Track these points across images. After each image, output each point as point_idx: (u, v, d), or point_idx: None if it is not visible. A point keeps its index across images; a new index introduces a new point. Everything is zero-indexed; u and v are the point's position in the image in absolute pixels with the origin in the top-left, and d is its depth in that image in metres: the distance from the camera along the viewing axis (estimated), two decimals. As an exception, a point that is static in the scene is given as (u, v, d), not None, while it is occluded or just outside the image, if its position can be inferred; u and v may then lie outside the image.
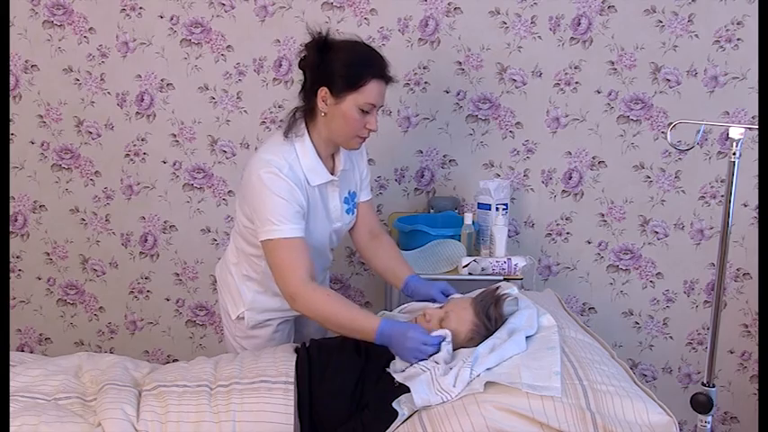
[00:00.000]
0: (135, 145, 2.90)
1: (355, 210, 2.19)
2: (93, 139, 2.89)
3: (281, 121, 2.82)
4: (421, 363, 1.75)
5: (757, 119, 2.73)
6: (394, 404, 1.67)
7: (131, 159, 2.91)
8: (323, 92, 1.92)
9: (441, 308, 1.91)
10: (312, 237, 2.01)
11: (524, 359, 1.71)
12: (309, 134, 2.00)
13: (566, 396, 1.60)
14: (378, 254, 2.22)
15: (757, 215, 2.82)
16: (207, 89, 2.84)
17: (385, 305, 2.57)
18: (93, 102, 2.86)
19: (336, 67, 1.89)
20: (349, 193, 2.15)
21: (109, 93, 2.85)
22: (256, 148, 2.79)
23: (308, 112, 2.00)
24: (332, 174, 2.06)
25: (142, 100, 2.86)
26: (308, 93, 1.97)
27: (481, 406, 1.59)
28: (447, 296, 2.06)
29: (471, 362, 1.69)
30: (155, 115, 2.87)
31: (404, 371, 1.74)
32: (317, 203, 2.03)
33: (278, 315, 2.16)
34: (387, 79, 1.95)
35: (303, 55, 1.97)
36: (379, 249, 2.22)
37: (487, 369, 1.69)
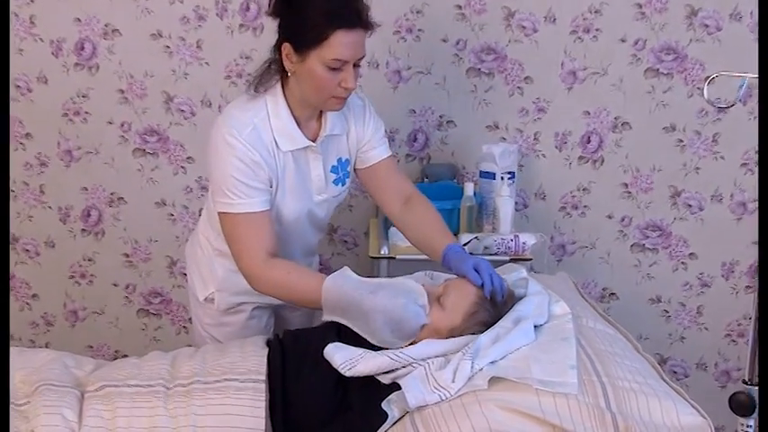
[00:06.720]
0: (74, 102, 2.88)
1: (347, 180, 2.17)
2: (22, 95, 2.87)
3: (248, 74, 2.80)
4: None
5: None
6: (383, 404, 1.68)
7: (70, 119, 2.89)
8: (286, 48, 1.90)
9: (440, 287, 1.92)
10: (284, 213, 2.04)
11: (534, 351, 1.72)
12: (284, 92, 1.99)
13: (582, 394, 1.62)
14: (410, 224, 2.17)
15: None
16: (160, 36, 2.82)
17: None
18: (21, 50, 2.83)
19: (299, 19, 1.86)
20: (339, 161, 2.12)
21: (41, 39, 2.83)
22: (220, 107, 2.83)
23: (281, 66, 1.97)
24: (312, 139, 2.04)
25: (82, 48, 2.84)
26: (277, 47, 1.96)
27: (483, 405, 1.60)
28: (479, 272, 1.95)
29: (472, 354, 1.70)
30: (97, 67, 2.85)
31: (393, 371, 1.75)
32: (290, 173, 2.01)
33: (252, 299, 2.18)
34: (363, 25, 1.88)
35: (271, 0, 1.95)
36: (411, 217, 2.16)
37: (491, 362, 1.70)
